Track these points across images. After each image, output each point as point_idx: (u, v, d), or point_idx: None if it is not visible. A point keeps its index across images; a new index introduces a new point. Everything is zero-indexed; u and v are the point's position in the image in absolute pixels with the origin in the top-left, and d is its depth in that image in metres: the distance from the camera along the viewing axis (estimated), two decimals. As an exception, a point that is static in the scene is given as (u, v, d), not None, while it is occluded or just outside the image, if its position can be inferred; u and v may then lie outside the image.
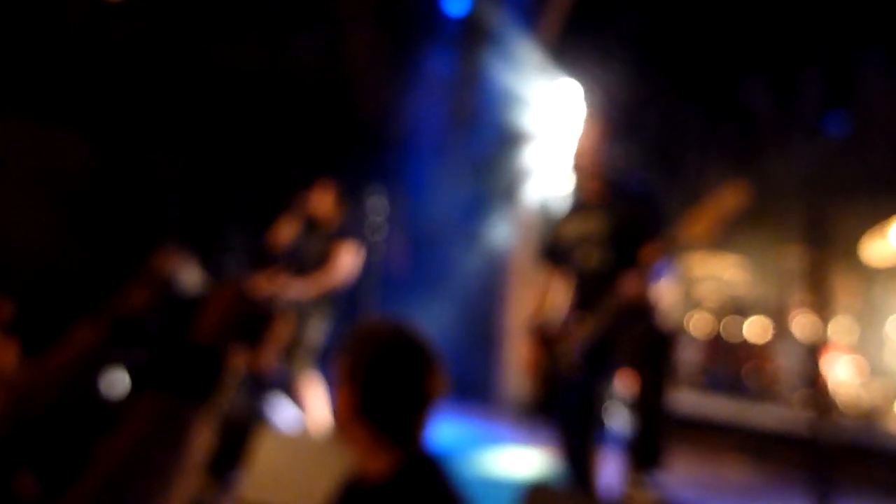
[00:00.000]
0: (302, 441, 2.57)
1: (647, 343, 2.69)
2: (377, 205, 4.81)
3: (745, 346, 5.02)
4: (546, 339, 2.90)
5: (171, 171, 5.35)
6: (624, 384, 2.83)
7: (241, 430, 2.70)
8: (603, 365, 2.79)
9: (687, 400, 5.02)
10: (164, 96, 5.17)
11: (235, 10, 5.58)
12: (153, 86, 5.09)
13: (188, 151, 5.42)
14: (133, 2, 5.09)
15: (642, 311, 2.68)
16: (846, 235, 4.80)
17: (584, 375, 2.78)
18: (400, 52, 6.03)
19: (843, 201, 4.57)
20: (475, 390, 5.58)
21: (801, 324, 4.84)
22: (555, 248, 3.02)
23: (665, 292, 2.75)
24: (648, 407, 2.64)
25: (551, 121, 5.79)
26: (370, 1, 5.92)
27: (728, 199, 2.41)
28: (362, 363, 1.36)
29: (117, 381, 1.47)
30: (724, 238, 6.04)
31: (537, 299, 3.07)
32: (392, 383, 1.35)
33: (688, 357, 5.23)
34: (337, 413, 1.36)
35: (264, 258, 5.06)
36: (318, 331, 4.24)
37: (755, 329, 5.07)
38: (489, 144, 5.94)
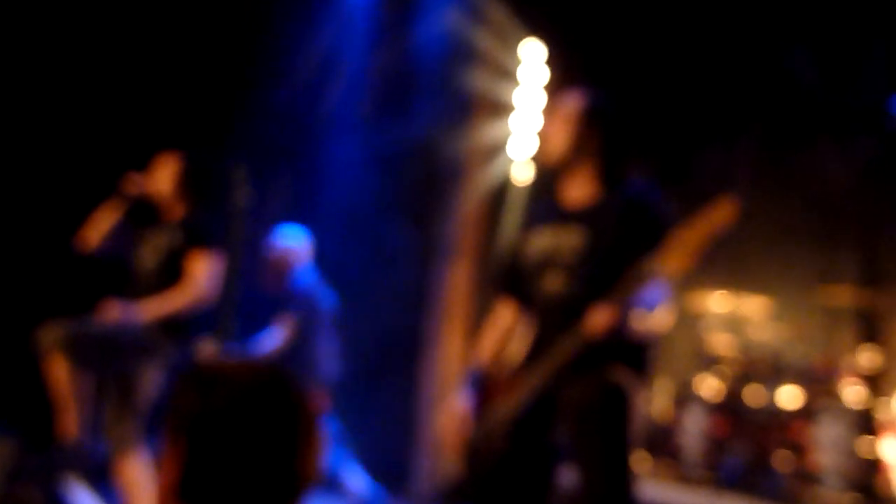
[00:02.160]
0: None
1: (593, 405, 2.72)
2: (250, 194, 4.63)
3: (776, 418, 5.02)
4: (484, 400, 2.91)
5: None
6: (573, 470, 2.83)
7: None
8: (544, 438, 2.81)
9: (686, 496, 4.99)
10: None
11: None
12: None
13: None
14: None
15: (603, 358, 2.70)
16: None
17: (520, 453, 2.79)
18: None
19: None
20: (384, 475, 5.52)
21: (853, 393, 4.85)
22: (514, 272, 3.03)
23: (652, 330, 2.79)
24: (598, 495, 2.68)
25: (514, 92, 5.89)
26: None
27: (715, 217, 2.52)
28: (186, 424, 1.34)
29: None
30: (745, 275, 6.28)
31: (484, 342, 3.09)
32: (232, 454, 1.33)
33: (693, 434, 5.18)
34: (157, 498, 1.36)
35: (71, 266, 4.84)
36: (150, 380, 4.02)
37: (787, 400, 5.10)
38: (424, 121, 5.96)
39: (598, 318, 2.60)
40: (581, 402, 2.72)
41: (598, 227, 2.81)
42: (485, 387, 2.94)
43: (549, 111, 3.12)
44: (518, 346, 2.99)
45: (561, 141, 2.91)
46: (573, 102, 2.97)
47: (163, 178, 4.26)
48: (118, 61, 5.66)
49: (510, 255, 3.08)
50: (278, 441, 1.35)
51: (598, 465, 2.70)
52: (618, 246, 2.75)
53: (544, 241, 2.91)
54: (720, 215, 2.51)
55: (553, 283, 2.84)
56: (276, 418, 1.36)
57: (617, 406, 2.73)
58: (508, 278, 3.06)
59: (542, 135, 3.13)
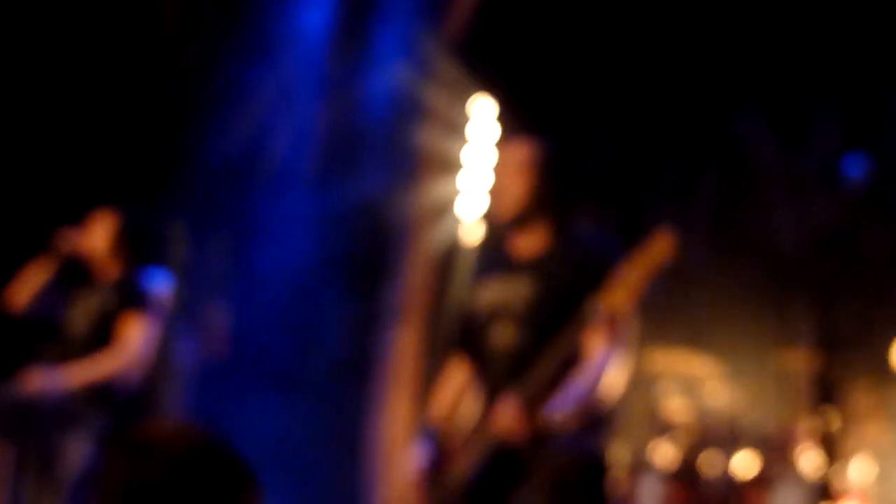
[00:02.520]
0: None
1: (570, 477, 2.67)
2: (189, 253, 4.66)
3: (732, 487, 5.07)
4: (439, 459, 2.85)
5: None
6: None
7: None
8: (504, 499, 2.74)
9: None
10: None
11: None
12: None
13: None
14: None
15: (580, 424, 2.65)
16: (871, 333, 5.02)
17: None
18: (233, 25, 6.06)
19: (868, 281, 4.81)
20: None
21: (810, 460, 4.96)
22: (465, 327, 3.01)
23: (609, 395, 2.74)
24: None
25: (463, 149, 5.99)
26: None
27: (654, 251, 2.56)
28: (117, 495, 1.30)
29: None
30: (700, 336, 6.36)
31: (436, 401, 3.05)
32: None
33: (648, 501, 5.20)
34: None
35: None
36: (75, 452, 3.92)
37: (743, 468, 5.17)
38: (371, 178, 6.00)
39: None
40: (556, 473, 2.68)
41: (548, 275, 2.81)
42: (439, 448, 2.88)
43: (497, 164, 3.14)
44: (471, 404, 2.94)
45: (514, 191, 2.88)
46: (522, 151, 2.97)
47: (97, 234, 4.16)
48: (52, 110, 5.62)
49: (462, 310, 3.07)
50: None
51: None
52: (568, 293, 2.74)
53: (493, 293, 2.90)
54: (659, 249, 2.55)
55: (501, 336, 2.82)
56: (214, 488, 1.33)
57: (595, 480, 2.72)
58: (460, 334, 3.03)
59: (493, 189, 3.14)
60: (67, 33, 5.64)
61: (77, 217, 4.21)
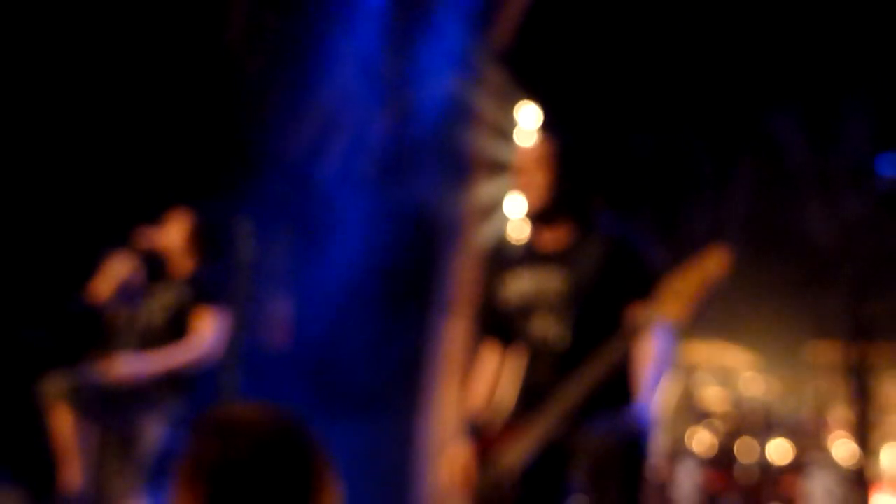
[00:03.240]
0: None
1: (611, 455, 2.61)
2: (255, 249, 4.68)
3: (767, 472, 5.00)
4: (483, 448, 2.81)
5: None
6: None
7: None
8: (562, 479, 2.73)
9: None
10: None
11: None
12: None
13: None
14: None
15: (613, 407, 2.61)
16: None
17: (537, 496, 2.70)
18: (296, 39, 6.09)
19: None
20: None
21: (843, 449, 4.87)
22: (494, 314, 2.97)
23: (659, 382, 2.72)
24: None
25: (512, 149, 5.89)
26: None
27: (708, 265, 2.48)
28: (205, 472, 1.30)
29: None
30: (736, 328, 6.32)
31: (474, 387, 3.01)
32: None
33: (688, 489, 5.13)
34: None
35: (81, 320, 4.84)
36: (153, 434, 3.96)
37: (778, 454, 5.09)
38: (425, 180, 6.03)
39: (604, 359, 2.57)
40: (599, 451, 2.63)
41: (580, 269, 2.78)
42: (482, 433, 2.86)
43: (519, 160, 3.10)
44: (506, 388, 2.94)
45: (537, 186, 2.86)
46: (542, 147, 2.95)
47: (174, 232, 4.22)
48: (135, 118, 5.70)
49: (487, 298, 3.02)
50: (297, 490, 1.32)
51: None
52: (603, 288, 2.73)
53: (524, 283, 2.87)
54: (713, 264, 2.47)
55: (541, 328, 2.79)
56: (296, 467, 1.34)
57: (635, 458, 2.67)
58: (489, 321, 3.01)
59: (518, 185, 3.08)
60: (150, 47, 5.76)
61: (155, 215, 4.26)
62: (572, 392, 2.58)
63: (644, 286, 2.60)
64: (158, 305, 4.19)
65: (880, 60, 5.45)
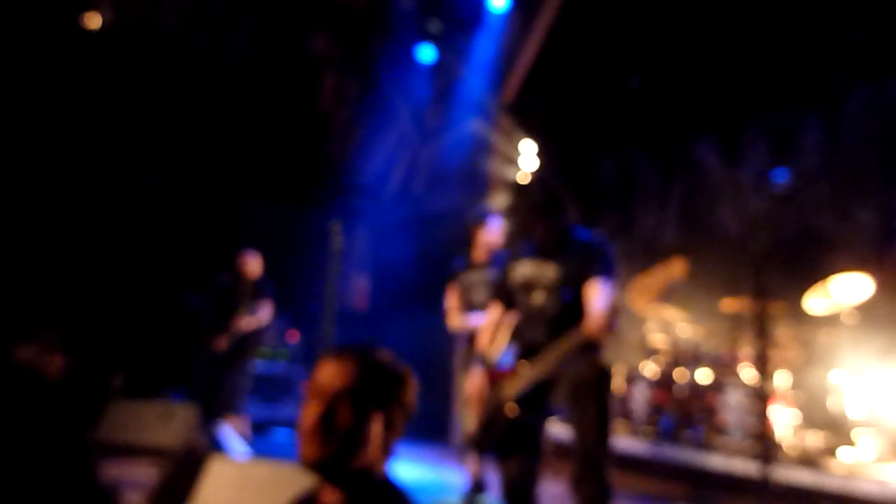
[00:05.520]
0: (252, 469, 2.47)
1: (588, 381, 2.67)
2: (342, 242, 4.81)
3: (696, 391, 4.98)
4: (492, 376, 2.86)
5: (138, 203, 5.33)
6: (566, 421, 2.79)
7: (193, 460, 2.62)
8: (545, 403, 2.76)
9: (635, 444, 5.01)
10: (139, 135, 5.21)
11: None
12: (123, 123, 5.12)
13: (159, 183, 5.43)
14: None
15: (590, 348, 2.66)
16: (790, 288, 4.91)
17: (528, 415, 2.74)
18: (368, 97, 6.16)
19: (788, 253, 4.71)
20: (432, 432, 5.57)
21: (748, 373, 4.83)
22: (504, 288, 3.00)
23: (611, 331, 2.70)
24: (591, 447, 2.62)
25: (512, 175, 5.96)
26: (341, 46, 6.07)
27: (670, 270, 2.48)
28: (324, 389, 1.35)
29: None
30: (674, 293, 6.29)
31: (487, 337, 3.04)
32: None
33: (640, 402, 5.20)
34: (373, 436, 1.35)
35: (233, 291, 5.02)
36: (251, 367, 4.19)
37: (703, 378, 5.05)
38: (455, 194, 6.04)
39: (595, 320, 2.54)
40: (579, 378, 2.66)
41: (566, 262, 2.81)
42: (489, 367, 2.87)
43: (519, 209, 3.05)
44: (504, 336, 2.93)
45: (538, 228, 2.89)
46: (532, 199, 2.92)
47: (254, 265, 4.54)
48: (267, 157, 5.78)
49: (502, 277, 3.03)
50: (392, 388, 1.40)
51: (589, 425, 2.63)
52: (580, 274, 2.75)
53: (527, 269, 2.90)
54: (674, 270, 2.47)
55: (538, 299, 2.82)
56: (388, 376, 1.40)
57: (604, 382, 2.70)
58: (500, 291, 3.02)
59: (521, 225, 3.01)
60: (272, 108, 5.78)
61: (275, 222, 4.38)
62: (558, 350, 2.62)
63: (605, 270, 2.66)
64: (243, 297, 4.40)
65: (774, 99, 5.41)
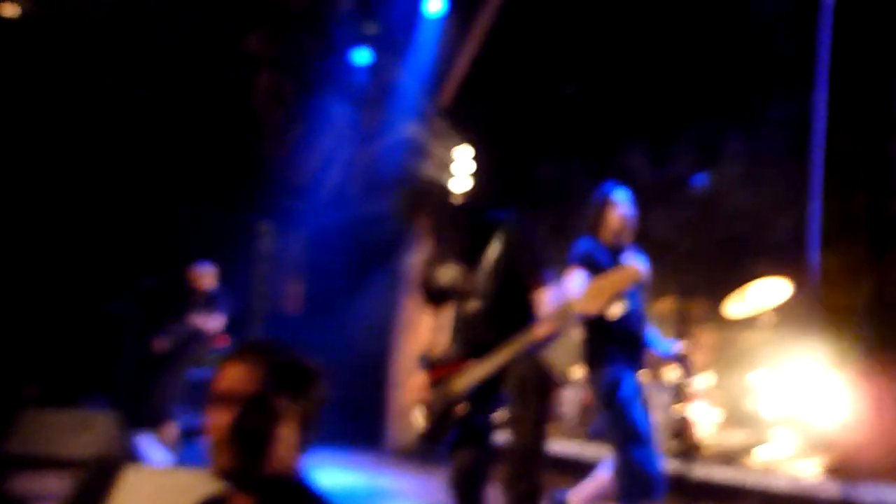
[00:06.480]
0: (168, 477, 2.41)
1: (531, 381, 2.69)
2: (273, 243, 4.73)
3: None
4: (435, 374, 2.85)
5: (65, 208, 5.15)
6: (504, 419, 2.80)
7: (106, 470, 2.53)
8: (492, 400, 2.78)
9: (565, 445, 5.08)
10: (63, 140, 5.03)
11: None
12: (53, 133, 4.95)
13: (82, 185, 5.25)
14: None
15: (536, 349, 2.69)
16: (714, 290, 5.05)
17: (475, 412, 2.75)
18: (303, 99, 6.09)
19: (711, 253, 4.84)
20: (364, 438, 5.53)
21: (671, 373, 4.92)
22: (432, 289, 3.01)
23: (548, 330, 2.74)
24: (528, 447, 2.64)
25: (448, 179, 5.96)
26: (277, 45, 5.99)
27: (622, 276, 2.52)
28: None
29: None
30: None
31: (425, 337, 3.04)
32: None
33: (571, 404, 5.27)
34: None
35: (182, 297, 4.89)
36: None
37: None
38: (390, 194, 6.02)
39: (544, 325, 2.58)
40: (523, 378, 2.67)
41: (491, 264, 2.82)
42: (431, 366, 2.87)
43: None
44: (441, 338, 2.94)
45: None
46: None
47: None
48: (195, 155, 5.64)
49: (426, 278, 3.04)
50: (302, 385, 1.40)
51: (528, 424, 2.64)
52: (514, 274, 2.77)
53: (451, 270, 2.92)
54: (625, 276, 2.50)
55: (466, 296, 2.84)
56: (311, 377, 1.42)
57: (547, 383, 2.72)
58: (429, 293, 3.04)
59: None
60: (206, 107, 5.65)
61: (206, 221, 4.30)
62: (509, 350, 2.63)
63: (536, 271, 2.71)
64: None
65: (700, 109, 5.57)
